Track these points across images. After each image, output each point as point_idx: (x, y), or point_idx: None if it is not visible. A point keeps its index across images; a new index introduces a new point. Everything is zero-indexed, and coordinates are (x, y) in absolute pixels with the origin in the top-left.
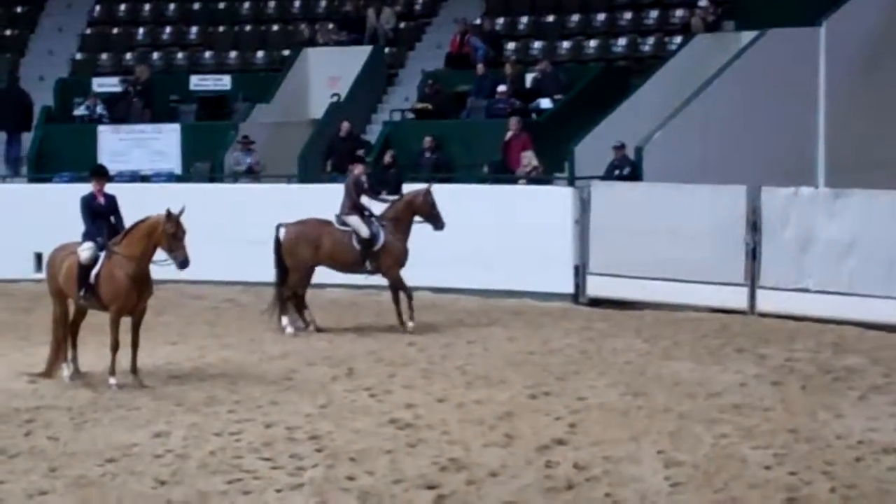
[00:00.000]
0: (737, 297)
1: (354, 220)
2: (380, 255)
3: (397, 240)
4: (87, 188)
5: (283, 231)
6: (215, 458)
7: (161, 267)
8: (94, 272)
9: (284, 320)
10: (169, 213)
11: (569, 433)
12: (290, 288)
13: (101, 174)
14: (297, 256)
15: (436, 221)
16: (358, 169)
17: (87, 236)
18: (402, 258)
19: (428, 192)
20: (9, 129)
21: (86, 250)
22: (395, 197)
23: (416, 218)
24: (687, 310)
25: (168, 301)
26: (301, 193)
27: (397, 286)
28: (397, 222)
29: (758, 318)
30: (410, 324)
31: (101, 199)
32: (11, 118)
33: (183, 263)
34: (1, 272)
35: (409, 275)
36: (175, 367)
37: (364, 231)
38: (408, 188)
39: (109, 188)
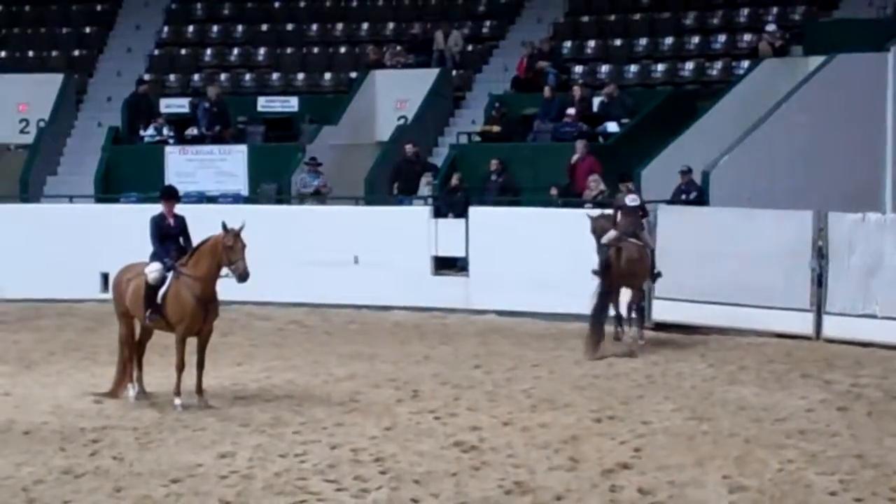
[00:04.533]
0: (803, 323)
1: (645, 235)
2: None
3: None
4: (154, 209)
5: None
6: (280, 479)
7: (225, 279)
8: (161, 292)
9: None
10: (225, 227)
11: (634, 457)
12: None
13: (171, 195)
14: (639, 275)
15: None
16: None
17: (155, 257)
18: None
19: None
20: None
21: (154, 271)
22: None
23: None
24: (752, 335)
25: (235, 322)
26: (368, 215)
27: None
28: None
29: (824, 343)
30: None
31: (171, 220)
32: (142, 119)
33: (242, 276)
34: (67, 292)
35: (475, 298)
36: (241, 388)
37: (653, 243)
38: (474, 211)
39: (177, 209)
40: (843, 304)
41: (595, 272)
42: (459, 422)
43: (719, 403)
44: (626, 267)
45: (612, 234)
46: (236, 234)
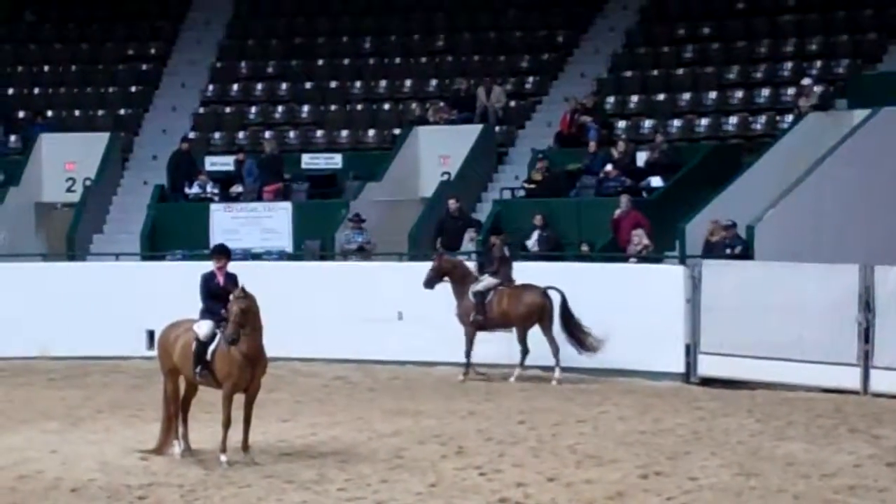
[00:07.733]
0: (850, 377)
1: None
2: None
3: None
4: (200, 266)
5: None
6: None
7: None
8: (210, 349)
9: None
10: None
11: None
12: None
13: (221, 252)
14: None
15: None
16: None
17: (205, 314)
18: None
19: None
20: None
21: (204, 326)
22: None
23: None
24: (799, 390)
25: (280, 378)
26: (412, 271)
27: None
28: None
29: (871, 398)
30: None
31: (221, 279)
32: (183, 177)
33: (227, 337)
34: (113, 349)
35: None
36: (286, 445)
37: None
38: (518, 267)
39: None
40: (890, 359)
41: (476, 317)
42: (504, 478)
43: (767, 459)
44: (524, 310)
45: (490, 281)
46: (235, 298)
